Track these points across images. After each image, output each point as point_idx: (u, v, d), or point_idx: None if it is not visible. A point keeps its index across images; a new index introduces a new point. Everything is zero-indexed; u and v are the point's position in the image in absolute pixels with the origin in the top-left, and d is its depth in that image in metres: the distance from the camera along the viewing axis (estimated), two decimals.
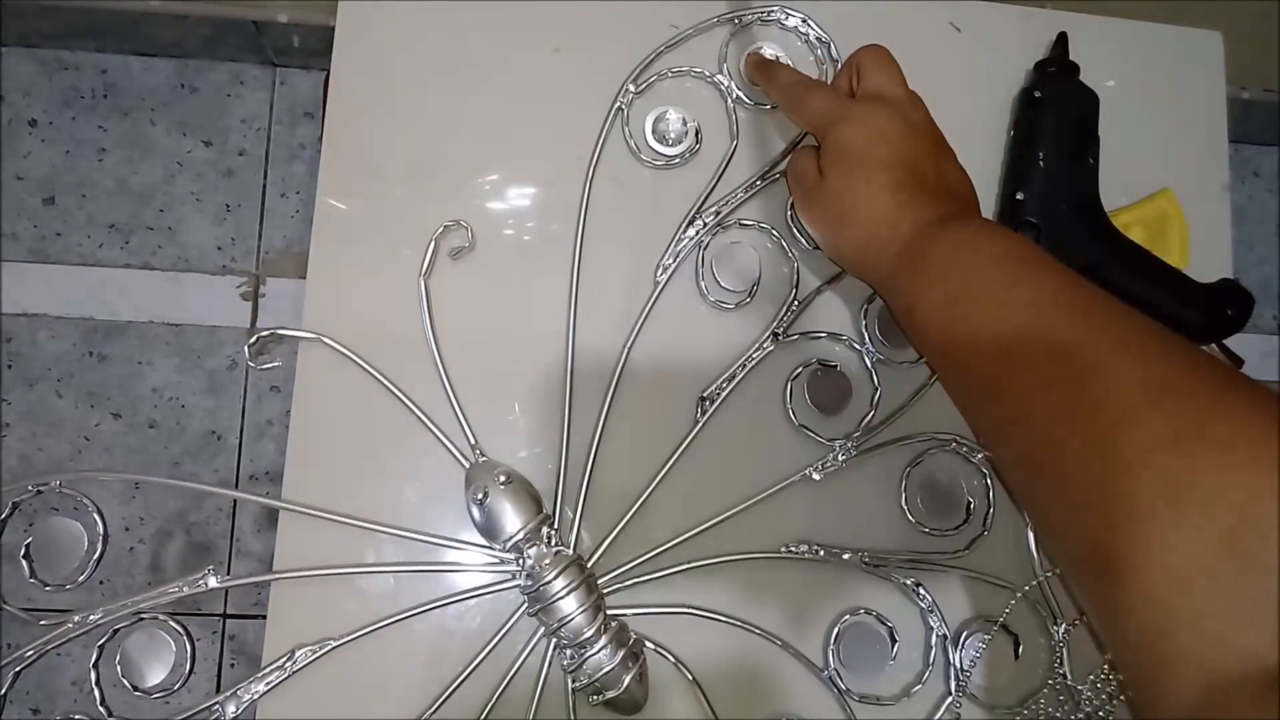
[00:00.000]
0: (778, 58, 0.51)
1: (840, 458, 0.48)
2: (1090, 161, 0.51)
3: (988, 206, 0.52)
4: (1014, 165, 0.52)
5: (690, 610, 0.46)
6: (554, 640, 0.44)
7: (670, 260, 0.49)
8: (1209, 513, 0.26)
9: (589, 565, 0.45)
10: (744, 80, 0.51)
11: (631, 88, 0.50)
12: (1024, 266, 0.37)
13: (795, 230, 0.50)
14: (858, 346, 0.50)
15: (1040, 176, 0.51)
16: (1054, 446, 0.32)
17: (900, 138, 0.41)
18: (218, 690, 0.42)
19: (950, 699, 0.47)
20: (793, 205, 0.49)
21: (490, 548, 0.45)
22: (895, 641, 0.47)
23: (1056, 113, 0.52)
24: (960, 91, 0.54)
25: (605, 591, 0.45)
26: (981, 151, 0.53)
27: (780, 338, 0.49)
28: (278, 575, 0.44)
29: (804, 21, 0.52)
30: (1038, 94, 0.52)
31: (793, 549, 0.47)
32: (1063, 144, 0.51)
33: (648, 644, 0.45)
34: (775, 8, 0.52)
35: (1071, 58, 0.53)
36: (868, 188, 0.40)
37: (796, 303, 0.49)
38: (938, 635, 0.47)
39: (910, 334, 0.40)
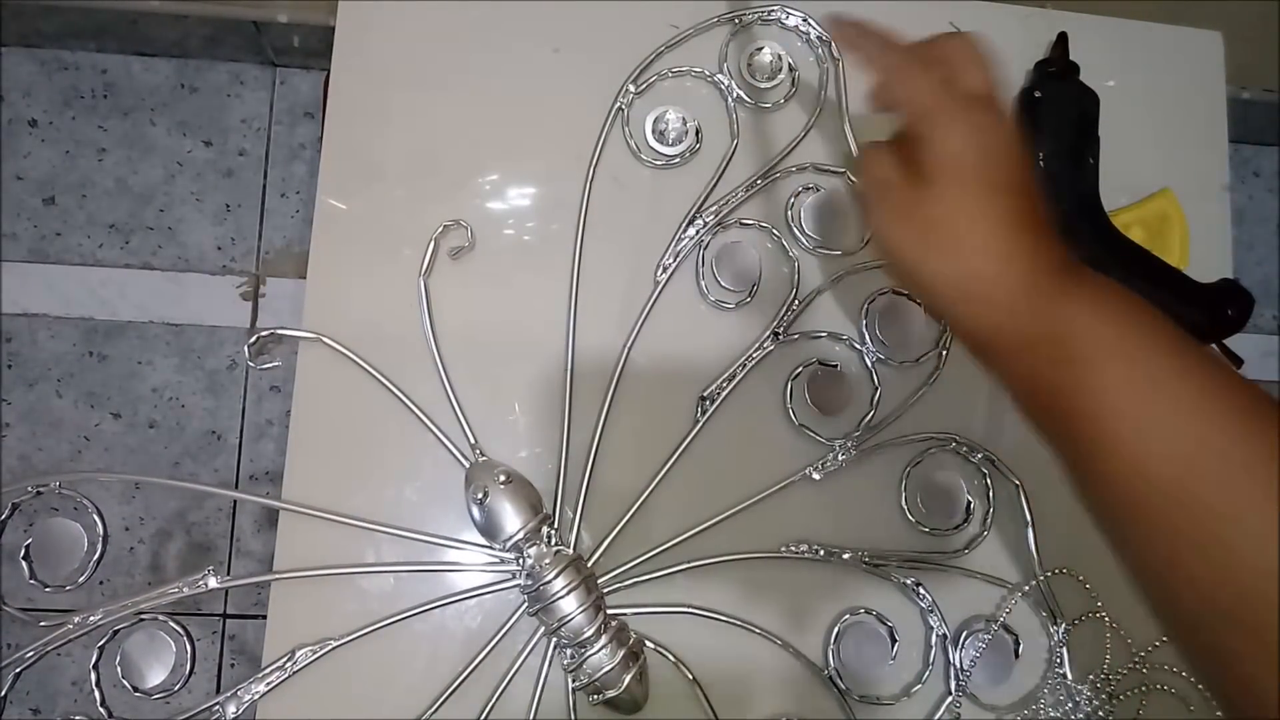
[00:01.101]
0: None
1: (840, 457, 0.48)
2: (1090, 161, 0.51)
3: None
4: None
5: (690, 610, 0.46)
6: (554, 640, 0.44)
7: (670, 260, 0.49)
8: None
9: (589, 565, 0.45)
10: (743, 81, 0.51)
11: (632, 87, 0.50)
12: (1196, 354, 0.30)
13: (797, 230, 0.50)
14: (858, 346, 0.50)
15: (1040, 176, 0.51)
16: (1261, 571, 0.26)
17: (1017, 159, 0.34)
18: (218, 690, 0.42)
19: (950, 699, 0.47)
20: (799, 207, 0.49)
21: (490, 547, 0.45)
22: (895, 641, 0.47)
23: (1056, 113, 0.52)
24: None
25: (605, 591, 0.45)
26: None
27: (780, 337, 0.49)
28: (278, 575, 0.44)
29: (804, 21, 0.52)
30: (1038, 94, 0.52)
31: (793, 549, 0.47)
32: (1063, 144, 0.51)
33: (648, 643, 0.45)
34: (775, 7, 0.52)
35: (1071, 58, 0.53)
36: (985, 213, 0.33)
37: (797, 302, 0.49)
38: (938, 635, 0.47)
39: (1058, 395, 0.31)
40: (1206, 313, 0.50)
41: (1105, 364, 0.30)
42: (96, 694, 0.42)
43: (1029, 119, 0.52)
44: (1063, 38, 0.53)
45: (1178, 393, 0.29)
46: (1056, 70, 0.53)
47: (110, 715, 0.42)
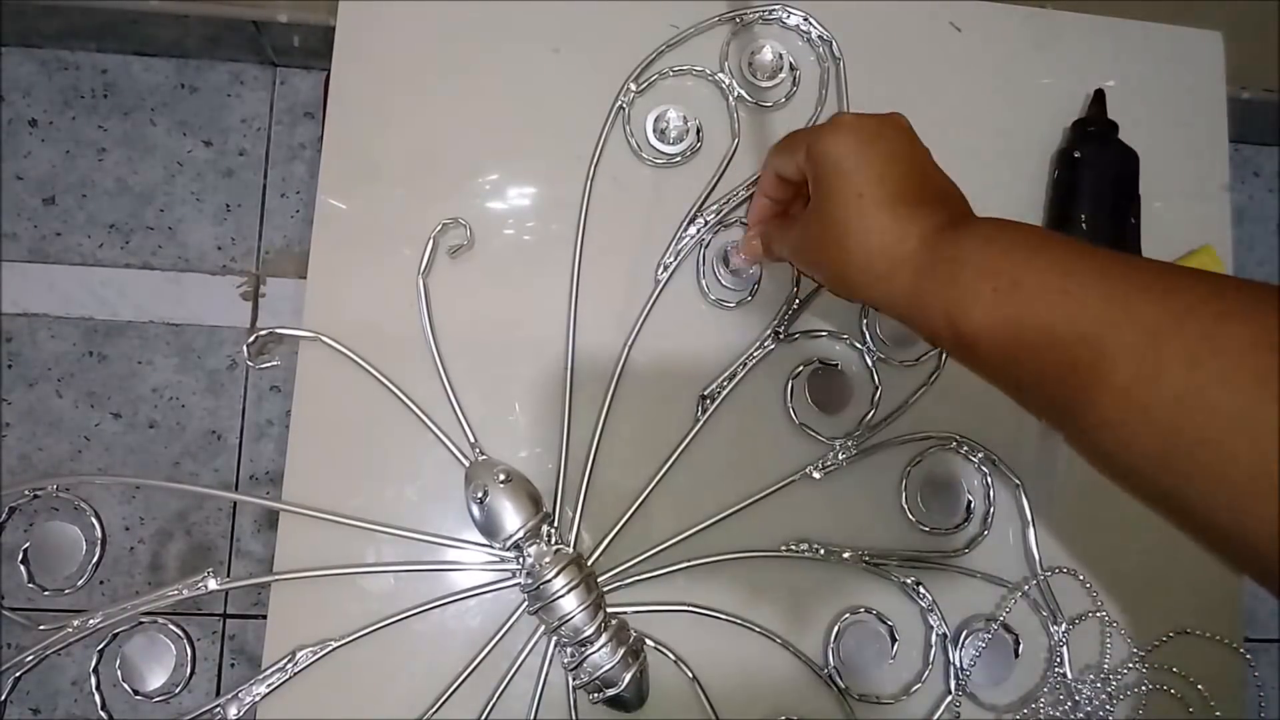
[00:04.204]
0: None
1: (841, 456, 0.48)
2: (1132, 221, 0.51)
3: None
4: (1055, 227, 0.51)
5: (690, 608, 0.46)
6: (554, 639, 0.44)
7: (671, 259, 0.49)
8: None
9: (589, 563, 0.45)
10: (744, 80, 0.51)
11: (633, 86, 0.50)
12: (1065, 249, 0.33)
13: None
14: (859, 345, 0.50)
15: (1082, 238, 0.50)
16: (1189, 431, 0.27)
17: (887, 142, 0.37)
18: (218, 691, 0.42)
19: (950, 698, 0.47)
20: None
21: (490, 546, 0.45)
22: (895, 641, 0.47)
23: (1096, 173, 0.51)
24: (960, 92, 0.54)
25: (605, 590, 0.45)
26: (981, 151, 0.53)
27: (781, 336, 0.49)
28: (278, 576, 0.44)
29: (805, 20, 0.52)
30: (1077, 154, 0.51)
31: (793, 548, 0.47)
32: (1104, 205, 0.50)
33: (648, 642, 0.45)
34: (776, 6, 0.52)
35: (1071, 58, 0.53)
36: (860, 204, 0.36)
37: (797, 301, 0.49)
38: (937, 634, 0.47)
39: (955, 347, 0.34)
40: None
41: (980, 301, 0.33)
42: (97, 697, 0.42)
43: (1068, 180, 0.51)
44: (1100, 95, 0.53)
45: (1039, 272, 0.32)
46: (1096, 129, 0.52)
47: (111, 718, 0.42)
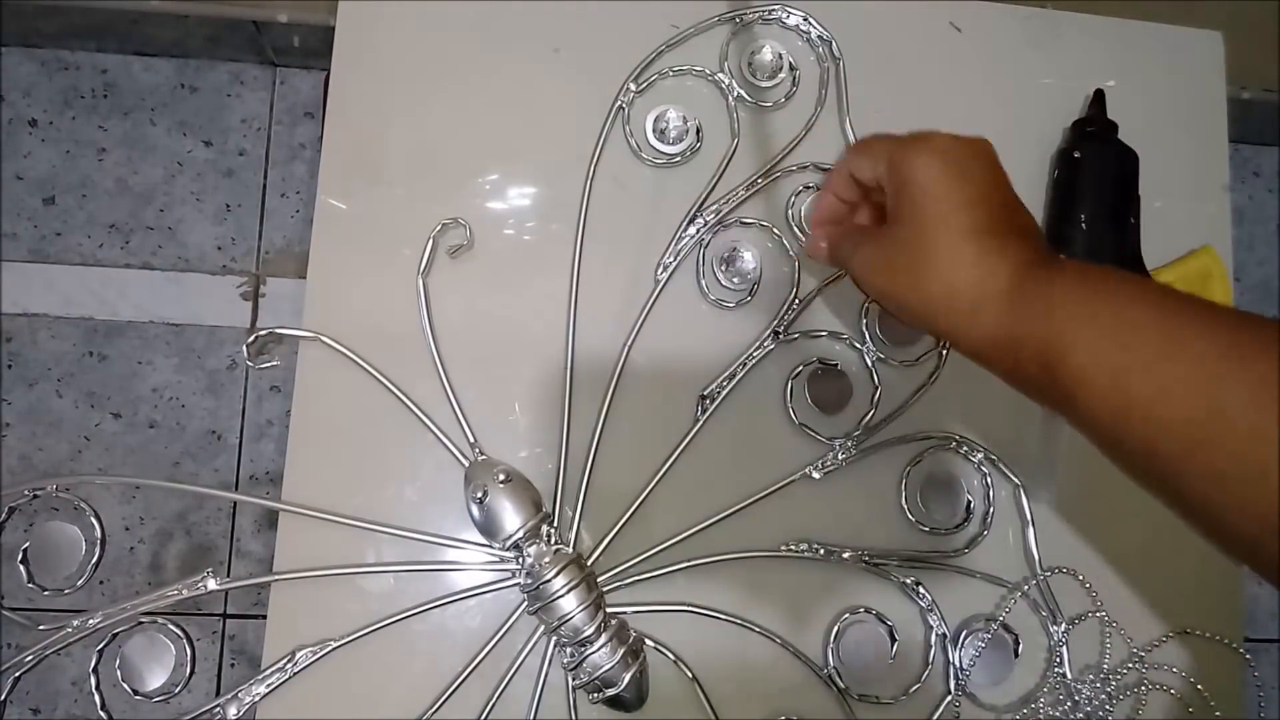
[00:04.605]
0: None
1: (840, 457, 0.48)
2: (1132, 221, 0.50)
3: None
4: (1055, 227, 0.51)
5: (690, 608, 0.46)
6: (554, 639, 0.44)
7: (671, 259, 0.49)
8: None
9: (589, 563, 0.45)
10: (744, 80, 0.51)
11: (632, 86, 0.50)
12: (1172, 298, 0.31)
13: (797, 229, 0.50)
14: (858, 345, 0.50)
15: (1082, 238, 0.50)
16: None
17: (978, 169, 0.35)
18: (218, 691, 0.43)
19: (950, 698, 0.47)
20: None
21: (490, 546, 0.45)
22: (895, 641, 0.47)
23: (1096, 173, 0.51)
24: (960, 92, 0.54)
25: (605, 590, 0.45)
26: None
27: (781, 336, 0.49)
28: (278, 576, 0.44)
29: (805, 20, 0.52)
30: (1076, 154, 0.51)
31: (793, 547, 0.47)
32: (1103, 205, 0.50)
33: (648, 642, 0.45)
34: (776, 6, 0.52)
35: (1071, 58, 0.53)
36: (946, 233, 0.34)
37: (797, 301, 0.49)
38: (937, 634, 0.47)
39: (1049, 390, 0.32)
40: None
41: (1080, 345, 0.31)
42: (97, 697, 0.42)
43: (1068, 180, 0.51)
44: (1099, 95, 0.53)
45: (1147, 344, 0.30)
46: (1095, 130, 0.52)
47: (111, 718, 0.42)
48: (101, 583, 1.12)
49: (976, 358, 0.35)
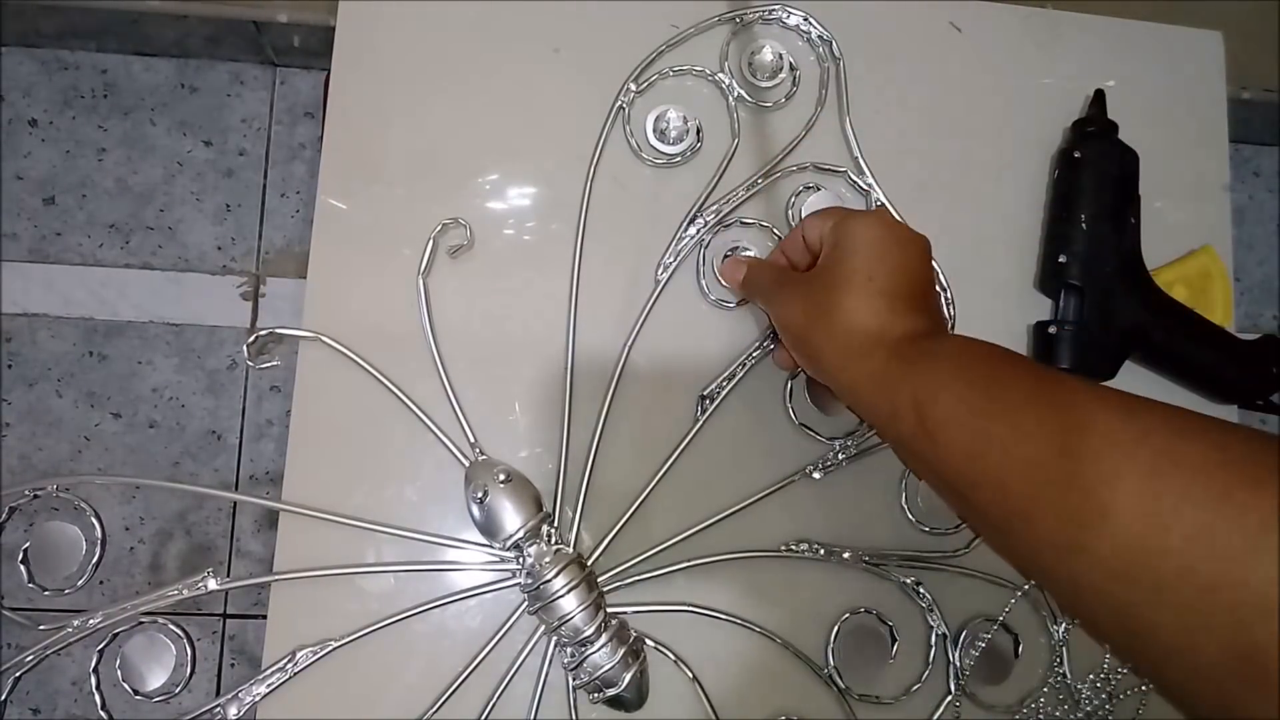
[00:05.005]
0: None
1: (841, 456, 0.48)
2: (1132, 221, 0.50)
3: (1025, 266, 0.52)
4: (1055, 227, 0.51)
5: (690, 608, 0.46)
6: (554, 639, 0.44)
7: (671, 259, 0.49)
8: None
9: (589, 563, 0.45)
10: (744, 80, 0.51)
11: (633, 86, 0.50)
12: (1039, 365, 0.34)
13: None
14: None
15: (1082, 238, 0.50)
16: (1153, 549, 0.27)
17: (912, 251, 0.39)
18: (218, 691, 0.42)
19: (950, 698, 0.47)
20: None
21: (490, 546, 0.45)
22: (895, 641, 0.47)
23: (1097, 173, 0.51)
24: (960, 92, 0.54)
25: (605, 590, 0.45)
26: (981, 151, 0.53)
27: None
28: (278, 576, 0.44)
29: (805, 20, 0.52)
30: (1077, 154, 0.51)
31: (793, 547, 0.47)
32: (1104, 205, 0.50)
33: (648, 642, 0.45)
34: (776, 6, 0.52)
35: (1071, 58, 0.53)
36: (866, 286, 0.37)
37: None
38: (937, 634, 0.47)
39: (914, 432, 0.34)
40: (1252, 369, 0.50)
41: (953, 389, 0.34)
42: (97, 697, 0.42)
43: (1068, 180, 0.51)
44: (1100, 95, 0.52)
45: (1009, 393, 0.32)
46: (1096, 129, 0.52)
47: (111, 718, 0.42)
48: (101, 583, 1.12)
49: (854, 393, 0.37)
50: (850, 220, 0.39)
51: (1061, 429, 0.30)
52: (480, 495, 0.43)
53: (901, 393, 0.35)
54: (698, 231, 0.49)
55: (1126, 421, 0.29)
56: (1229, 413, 0.52)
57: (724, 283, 0.48)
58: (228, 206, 1.22)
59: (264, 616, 0.44)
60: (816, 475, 0.48)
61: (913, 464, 0.36)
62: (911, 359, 0.35)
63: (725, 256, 0.49)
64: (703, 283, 0.49)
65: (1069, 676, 0.48)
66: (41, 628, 0.42)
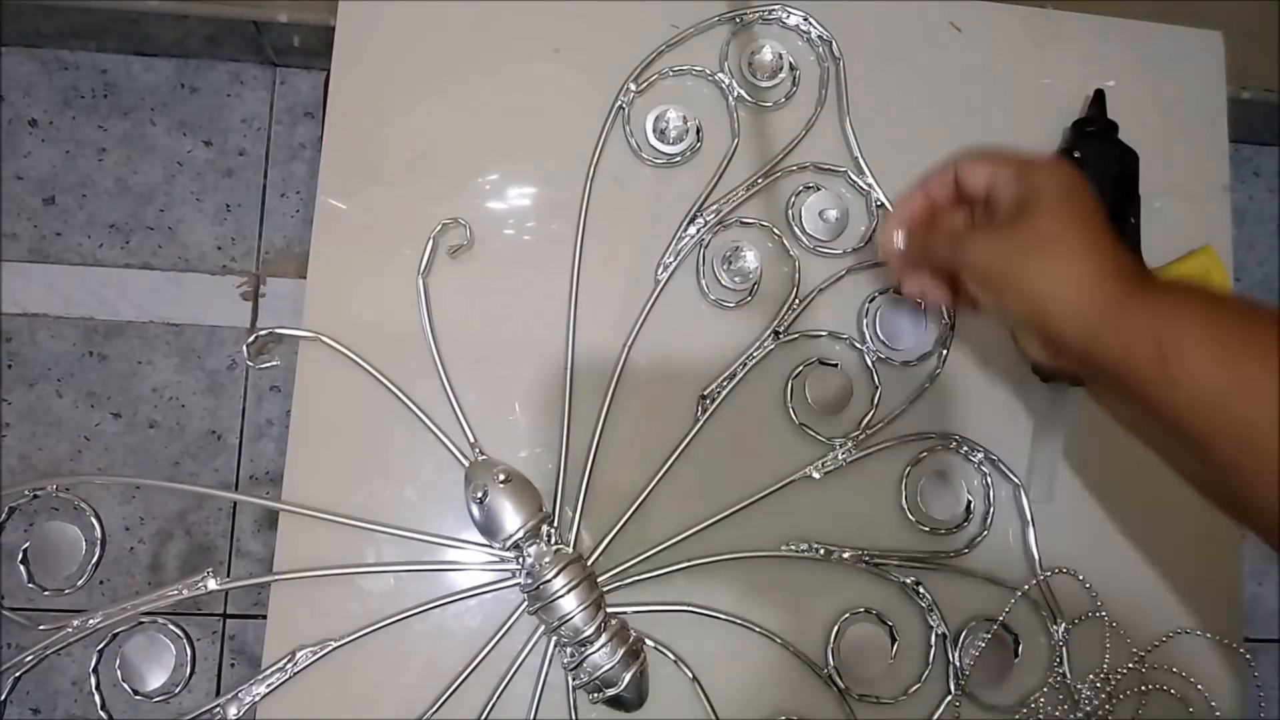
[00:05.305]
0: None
1: (841, 456, 0.48)
2: (1132, 221, 0.50)
3: None
4: None
5: (690, 608, 0.46)
6: (554, 639, 0.44)
7: (671, 259, 0.49)
8: None
9: (589, 563, 0.45)
10: (744, 80, 0.51)
11: (632, 86, 0.50)
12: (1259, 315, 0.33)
13: (797, 230, 0.50)
14: (858, 345, 0.50)
15: None
16: None
17: (1096, 201, 0.38)
18: (218, 691, 0.42)
19: (950, 698, 0.47)
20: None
21: (490, 546, 0.45)
22: (895, 641, 0.47)
23: (1097, 173, 0.50)
24: (960, 92, 0.54)
25: (605, 590, 0.45)
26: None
27: (781, 336, 0.49)
28: (278, 577, 0.44)
29: (805, 20, 0.52)
30: (1077, 154, 0.51)
31: (793, 547, 0.47)
32: (1104, 205, 0.49)
33: (648, 642, 0.45)
34: (776, 6, 0.52)
35: (1071, 58, 0.53)
36: (1085, 228, 0.36)
37: (797, 301, 0.49)
38: (938, 634, 0.47)
39: (1151, 377, 0.33)
40: None
41: (1196, 315, 0.32)
42: (97, 697, 0.42)
43: None
44: (1099, 95, 0.52)
45: (1261, 345, 0.31)
46: (1095, 130, 0.52)
47: (111, 718, 0.42)
48: (101, 583, 1.12)
49: (1081, 330, 0.35)
50: (1042, 167, 0.39)
51: None
52: (480, 495, 0.43)
53: (1138, 328, 0.33)
54: (698, 231, 0.49)
55: None
56: None
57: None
58: (228, 206, 1.22)
59: (264, 616, 0.44)
60: (816, 475, 0.48)
61: (1132, 410, 0.35)
62: (1148, 295, 0.34)
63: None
64: (703, 283, 0.49)
65: (1069, 676, 0.48)
66: (41, 628, 0.42)
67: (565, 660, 0.43)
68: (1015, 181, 0.39)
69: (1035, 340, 0.38)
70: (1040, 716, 0.47)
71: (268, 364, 0.47)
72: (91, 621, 0.43)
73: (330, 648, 0.43)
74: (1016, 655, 0.48)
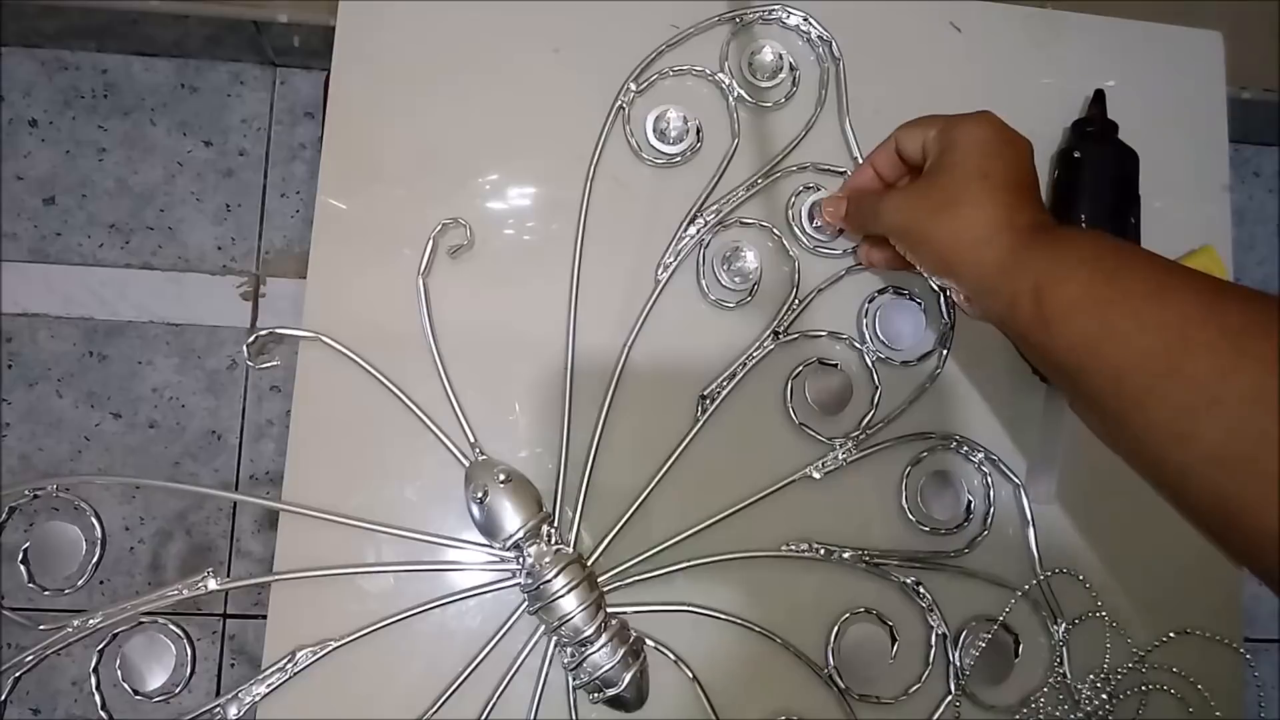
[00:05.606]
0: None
1: (841, 456, 0.48)
2: (1132, 221, 0.50)
3: None
4: None
5: (690, 608, 0.46)
6: (554, 639, 0.44)
7: (671, 259, 0.49)
8: None
9: (589, 563, 0.45)
10: (744, 80, 0.51)
11: (633, 86, 0.50)
12: (1165, 260, 0.34)
13: (797, 230, 0.50)
14: (858, 345, 0.50)
15: None
16: (1259, 435, 0.28)
17: (1020, 149, 0.40)
18: (218, 691, 0.42)
19: (950, 698, 0.47)
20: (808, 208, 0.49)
21: (490, 546, 0.45)
22: (895, 641, 0.47)
23: (1097, 173, 0.51)
24: (960, 92, 0.54)
25: (605, 590, 0.45)
26: None
27: (781, 336, 0.49)
28: (278, 577, 0.44)
29: (805, 20, 0.52)
30: (1077, 154, 0.51)
31: (793, 547, 0.47)
32: (1104, 205, 0.50)
33: (648, 642, 0.45)
34: (776, 6, 0.52)
35: (1071, 58, 0.53)
36: (983, 182, 0.38)
37: (797, 301, 0.49)
38: (938, 635, 0.47)
39: (1032, 319, 0.34)
40: None
41: (1076, 279, 0.34)
42: (97, 697, 0.42)
43: (1068, 180, 0.51)
44: (1100, 95, 0.52)
45: (1135, 286, 0.32)
46: (1095, 130, 0.52)
47: (111, 718, 0.42)
48: (101, 583, 1.12)
49: (976, 282, 0.37)
50: (959, 123, 0.40)
51: (1182, 320, 0.30)
52: (480, 495, 0.43)
53: (1022, 279, 0.35)
54: (698, 231, 0.49)
55: (1246, 314, 0.30)
56: None
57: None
58: (228, 206, 1.22)
59: (264, 616, 0.44)
60: (816, 475, 0.48)
61: (1027, 351, 0.37)
62: (1036, 246, 0.36)
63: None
64: (703, 283, 0.49)
65: (1069, 676, 0.48)
66: (41, 628, 0.42)
67: (565, 660, 0.43)
68: (939, 138, 0.41)
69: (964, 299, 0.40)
70: (1040, 716, 0.47)
71: (268, 364, 0.47)
72: (91, 621, 0.43)
73: (330, 648, 0.43)
74: (1016, 655, 0.48)
